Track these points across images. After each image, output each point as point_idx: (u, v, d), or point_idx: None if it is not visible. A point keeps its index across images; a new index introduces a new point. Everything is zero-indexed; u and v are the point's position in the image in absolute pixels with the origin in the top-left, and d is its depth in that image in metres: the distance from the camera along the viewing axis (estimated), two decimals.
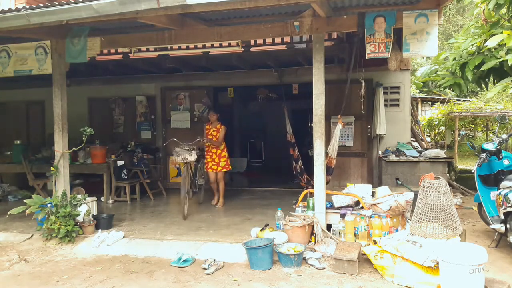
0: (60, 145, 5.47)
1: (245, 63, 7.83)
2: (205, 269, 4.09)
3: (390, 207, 4.60)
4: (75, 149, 5.79)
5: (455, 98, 13.51)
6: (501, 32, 5.38)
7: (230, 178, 9.45)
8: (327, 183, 5.31)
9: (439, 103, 13.75)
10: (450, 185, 7.06)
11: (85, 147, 6.43)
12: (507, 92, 6.04)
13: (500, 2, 5.14)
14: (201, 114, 8.63)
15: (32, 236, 5.29)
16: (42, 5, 4.20)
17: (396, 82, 7.84)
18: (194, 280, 3.89)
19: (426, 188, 3.74)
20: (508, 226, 4.22)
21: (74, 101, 7.10)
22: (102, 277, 4.03)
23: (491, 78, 6.69)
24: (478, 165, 4.59)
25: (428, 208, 3.68)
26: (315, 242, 4.51)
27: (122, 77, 8.95)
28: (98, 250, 4.80)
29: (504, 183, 4.39)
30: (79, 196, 5.37)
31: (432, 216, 3.66)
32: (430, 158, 6.98)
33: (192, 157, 6.22)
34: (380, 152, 7.67)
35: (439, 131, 14.31)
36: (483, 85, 7.11)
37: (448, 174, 7.37)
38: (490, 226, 4.54)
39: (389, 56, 4.61)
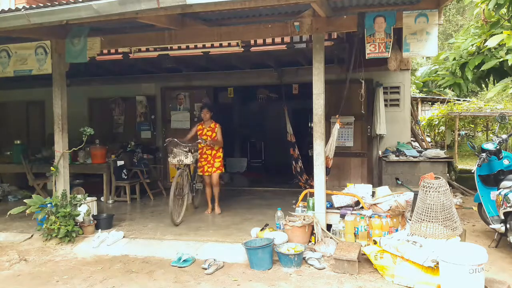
0: (60, 145, 5.48)
1: (245, 63, 7.82)
2: (205, 269, 4.09)
3: (390, 207, 4.60)
4: (75, 149, 5.79)
5: (455, 98, 13.49)
6: (501, 32, 5.37)
7: (230, 178, 9.46)
8: None
9: (439, 103, 13.73)
10: (450, 185, 7.06)
11: (85, 147, 6.43)
12: (507, 92, 6.04)
13: (500, 2, 5.14)
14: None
15: (32, 236, 5.29)
16: (42, 5, 4.20)
17: (396, 82, 7.84)
18: (194, 280, 3.89)
19: (426, 188, 3.74)
20: (508, 226, 4.23)
21: (74, 101, 7.11)
22: (102, 277, 4.03)
23: (491, 78, 6.70)
24: (478, 165, 4.59)
25: (428, 208, 3.68)
26: (315, 242, 4.51)
27: (122, 77, 8.95)
28: (98, 250, 4.80)
29: (504, 183, 4.40)
30: (79, 196, 5.38)
31: (432, 216, 3.66)
32: (430, 158, 6.97)
33: (188, 159, 5.94)
34: (380, 152, 7.67)
35: (439, 131, 14.28)
36: (483, 85, 7.11)
37: (448, 174, 7.36)
38: (490, 226, 4.54)
39: (389, 56, 4.61)
